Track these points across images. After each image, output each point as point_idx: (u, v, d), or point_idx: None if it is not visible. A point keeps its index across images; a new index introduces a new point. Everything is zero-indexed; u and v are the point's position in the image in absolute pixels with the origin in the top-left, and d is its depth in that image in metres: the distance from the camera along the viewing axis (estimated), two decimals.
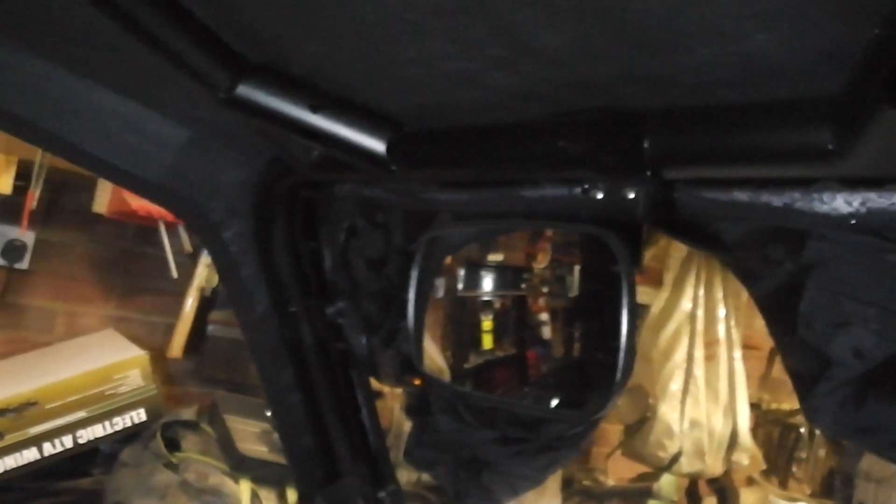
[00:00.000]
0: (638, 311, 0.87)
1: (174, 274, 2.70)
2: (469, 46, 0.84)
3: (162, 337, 2.92)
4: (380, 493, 1.68)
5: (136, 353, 2.63)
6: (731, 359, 3.59)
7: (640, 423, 3.41)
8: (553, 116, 0.92)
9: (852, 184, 0.78)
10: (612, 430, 3.86)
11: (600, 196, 0.86)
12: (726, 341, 3.60)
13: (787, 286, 0.88)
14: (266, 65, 1.09)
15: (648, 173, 0.82)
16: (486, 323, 0.87)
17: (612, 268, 0.79)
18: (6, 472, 2.40)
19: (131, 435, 2.61)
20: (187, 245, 2.76)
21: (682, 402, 3.46)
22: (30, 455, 2.44)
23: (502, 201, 1.10)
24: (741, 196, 0.86)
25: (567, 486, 3.55)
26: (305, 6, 0.87)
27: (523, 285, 0.80)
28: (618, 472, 3.99)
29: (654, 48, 0.73)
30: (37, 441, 2.46)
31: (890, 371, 0.83)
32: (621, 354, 0.77)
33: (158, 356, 2.83)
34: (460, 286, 0.87)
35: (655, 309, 3.66)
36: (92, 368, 2.52)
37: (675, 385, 3.48)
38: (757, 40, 0.68)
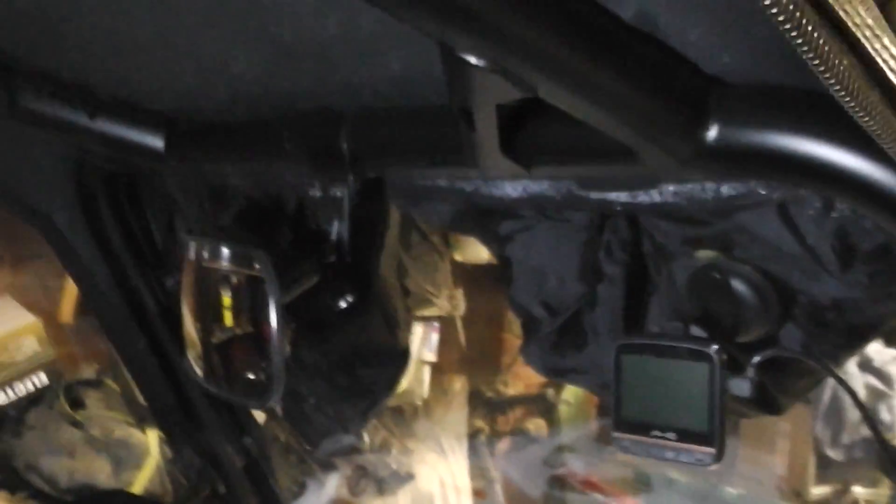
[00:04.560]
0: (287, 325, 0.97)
1: None
2: (186, 67, 0.94)
3: (59, 299, 2.99)
4: (244, 439, 1.82)
5: (29, 321, 2.71)
6: None
7: None
8: (281, 117, 1.02)
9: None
10: (516, 340, 4.06)
11: (318, 195, 0.96)
12: None
13: (501, 256, 1.01)
14: (42, 74, 1.16)
15: (350, 173, 0.93)
16: (226, 299, 0.92)
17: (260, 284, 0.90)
18: None
19: (36, 398, 2.72)
20: None
21: None
22: None
23: (272, 185, 1.20)
24: (442, 182, 0.97)
25: (474, 397, 3.76)
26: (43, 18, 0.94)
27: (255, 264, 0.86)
28: (531, 379, 4.21)
29: (308, 64, 0.84)
30: None
31: (577, 326, 0.97)
32: (273, 360, 0.88)
33: (56, 320, 2.91)
34: (204, 255, 0.92)
35: None
36: None
37: None
38: (388, 59, 0.79)
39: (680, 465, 0.74)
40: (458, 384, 3.65)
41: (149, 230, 1.62)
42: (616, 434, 0.74)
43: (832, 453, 3.51)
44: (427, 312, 3.37)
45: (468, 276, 3.55)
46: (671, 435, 0.70)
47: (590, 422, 4.04)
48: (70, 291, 2.90)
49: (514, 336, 4.02)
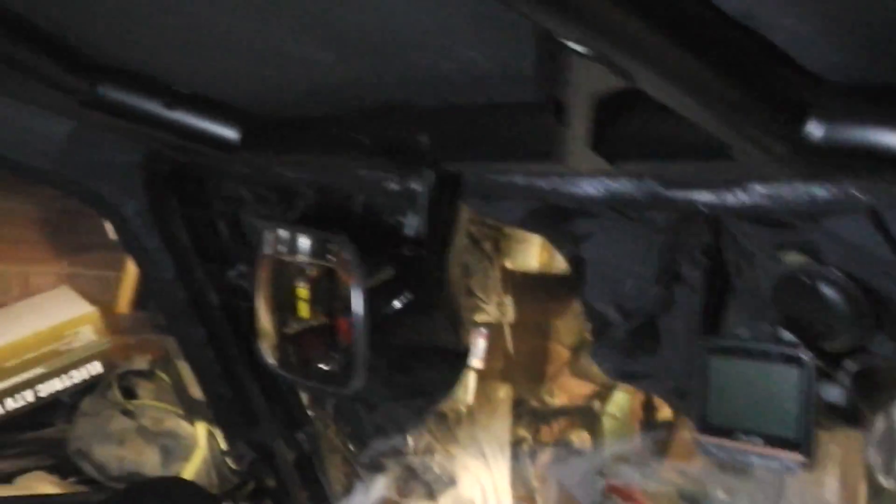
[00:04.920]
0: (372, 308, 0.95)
1: (110, 234, 2.80)
2: (264, 62, 0.96)
3: (115, 290, 3.05)
4: (297, 434, 1.83)
5: (87, 310, 2.76)
6: None
7: (583, 343, 3.57)
8: (358, 111, 1.02)
9: (595, 172, 0.89)
10: (562, 351, 4.03)
11: (395, 188, 0.96)
12: None
13: (574, 257, 1.00)
14: (121, 67, 1.18)
15: (429, 166, 0.93)
16: (302, 291, 0.92)
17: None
18: None
19: (89, 386, 2.77)
20: None
21: None
22: None
23: (342, 179, 1.21)
24: (518, 180, 0.97)
25: (518, 406, 3.73)
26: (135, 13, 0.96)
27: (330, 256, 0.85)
28: (575, 390, 4.17)
29: (389, 58, 0.85)
30: None
31: (651, 329, 0.95)
32: (357, 344, 0.88)
33: (111, 310, 2.96)
34: (281, 248, 0.92)
35: None
36: (43, 328, 2.66)
37: None
38: (469, 54, 0.79)
39: (737, 482, 0.72)
40: (503, 392, 3.63)
41: (213, 224, 1.64)
42: (700, 437, 0.73)
43: (884, 481, 3.42)
44: (475, 318, 3.36)
45: (517, 283, 3.53)
46: (758, 440, 0.69)
47: (635, 435, 3.98)
48: (127, 282, 2.96)
49: (560, 346, 3.99)
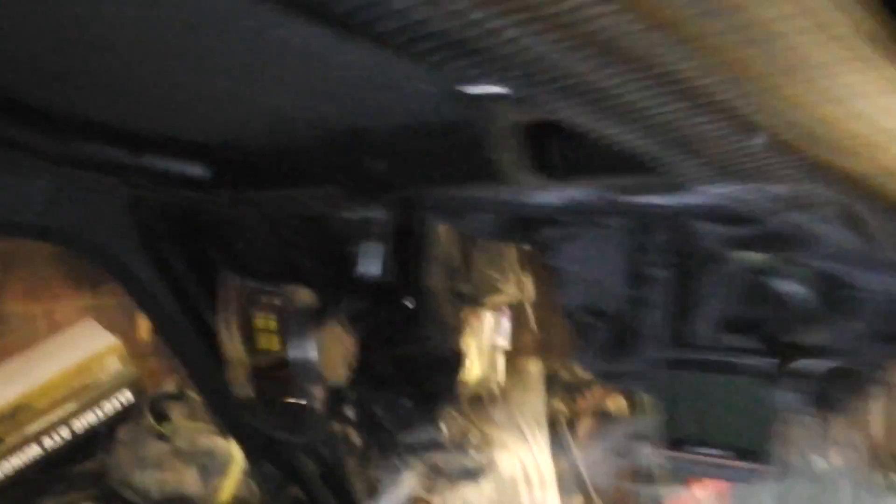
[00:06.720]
0: None
1: None
2: (222, 105, 0.96)
3: (137, 318, 3.08)
4: (319, 448, 1.85)
5: (111, 342, 2.80)
6: None
7: None
8: (321, 143, 1.02)
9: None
10: None
11: (355, 217, 0.96)
12: None
13: (548, 263, 0.99)
14: (87, 120, 1.18)
15: (385, 193, 0.92)
16: (271, 322, 0.89)
17: None
18: (15, 470, 2.62)
19: (123, 415, 2.81)
20: None
21: None
22: (32, 452, 2.65)
23: (304, 210, 1.21)
24: (481, 193, 0.96)
25: (550, 380, 3.73)
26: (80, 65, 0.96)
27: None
28: None
29: (343, 96, 0.84)
30: (36, 438, 2.66)
31: (625, 329, 0.94)
32: (310, 391, 0.87)
33: (135, 337, 3.00)
34: (249, 284, 0.92)
35: None
36: (70, 365, 2.70)
37: None
38: (414, 84, 0.78)
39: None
40: (533, 367, 3.63)
41: (206, 255, 1.65)
42: (666, 452, 0.71)
43: None
44: (496, 299, 3.35)
45: (535, 259, 3.51)
46: (726, 453, 0.67)
47: None
48: None
49: None
